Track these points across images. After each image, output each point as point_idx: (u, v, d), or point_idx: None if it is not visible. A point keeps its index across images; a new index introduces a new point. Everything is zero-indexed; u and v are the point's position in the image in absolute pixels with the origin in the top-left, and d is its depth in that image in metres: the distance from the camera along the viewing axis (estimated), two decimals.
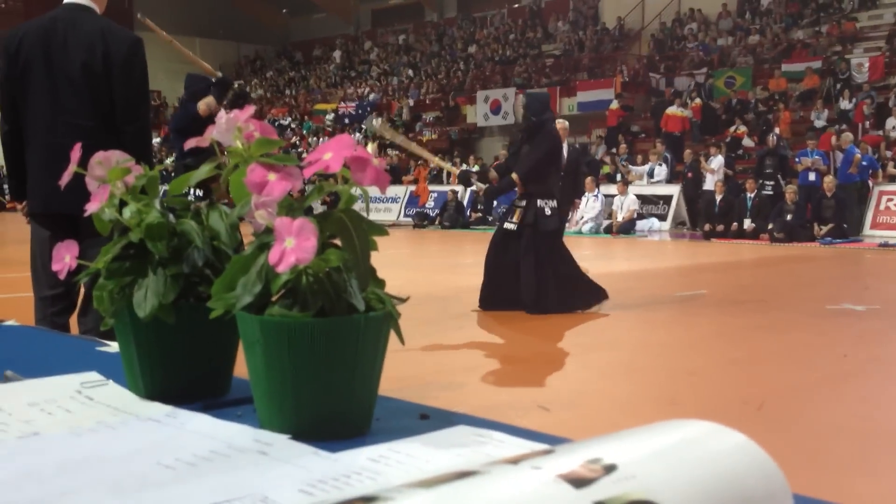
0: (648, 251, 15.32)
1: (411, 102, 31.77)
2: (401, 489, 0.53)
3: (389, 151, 27.88)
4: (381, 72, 36.30)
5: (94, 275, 0.99)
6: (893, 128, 19.94)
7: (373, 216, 0.86)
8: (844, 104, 21.41)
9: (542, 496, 0.53)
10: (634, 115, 26.12)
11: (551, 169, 7.76)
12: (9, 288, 8.56)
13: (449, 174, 23.81)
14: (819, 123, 20.81)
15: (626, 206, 18.98)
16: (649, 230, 19.19)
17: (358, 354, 0.83)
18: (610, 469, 0.56)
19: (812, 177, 17.40)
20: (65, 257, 1.00)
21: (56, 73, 3.85)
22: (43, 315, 3.97)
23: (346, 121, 31.74)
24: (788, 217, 16.33)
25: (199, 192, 6.25)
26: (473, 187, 9.13)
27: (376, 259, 0.86)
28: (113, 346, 1.28)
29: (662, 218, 19.85)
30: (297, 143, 30.97)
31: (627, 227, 18.62)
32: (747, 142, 21.81)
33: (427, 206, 23.52)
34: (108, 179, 0.98)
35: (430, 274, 11.15)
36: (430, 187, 24.14)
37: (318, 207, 0.92)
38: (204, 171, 0.93)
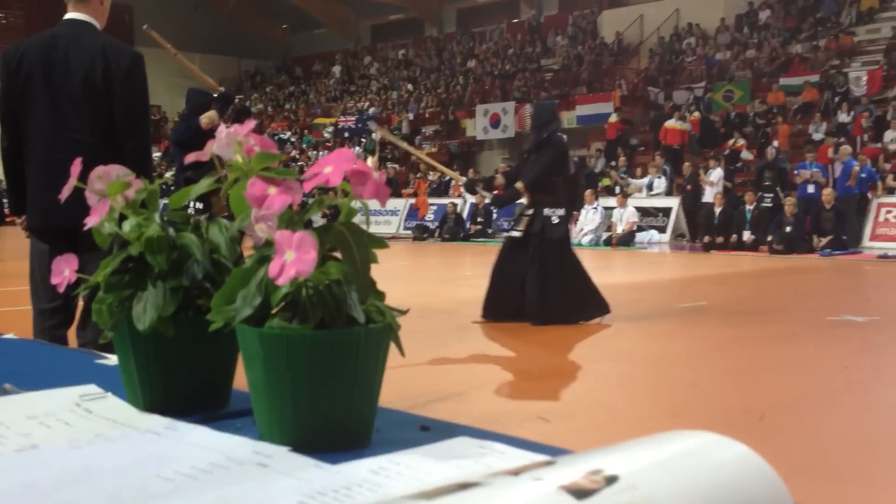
0: (648, 263, 15.32)
1: (411, 116, 31.83)
2: (402, 501, 0.53)
3: (388, 164, 27.93)
4: (381, 86, 36.39)
5: (94, 288, 0.99)
6: (892, 140, 19.97)
7: (372, 229, 0.86)
8: (843, 117, 21.46)
9: None
10: (633, 129, 26.17)
11: (558, 178, 7.75)
12: (8, 301, 8.55)
13: (450, 186, 23.87)
14: (817, 136, 20.85)
15: (625, 218, 18.99)
16: (649, 242, 19.19)
17: (358, 366, 0.83)
18: (611, 480, 0.56)
19: (811, 189, 17.42)
20: (64, 271, 1.00)
21: (57, 89, 3.86)
22: (41, 328, 3.96)
23: (346, 135, 31.80)
24: (788, 229, 16.34)
25: (200, 206, 6.26)
26: (473, 199, 9.15)
27: (376, 271, 0.86)
28: (112, 359, 1.28)
29: (662, 230, 19.86)
30: (297, 156, 31.02)
31: (627, 240, 18.63)
32: (746, 154, 21.84)
33: (427, 218, 23.53)
34: (107, 193, 0.98)
35: (431, 286, 11.15)
36: (430, 200, 24.16)
37: (319, 220, 0.92)
38: (204, 184, 0.93)
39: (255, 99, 39.37)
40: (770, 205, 17.68)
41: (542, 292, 7.46)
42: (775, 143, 19.92)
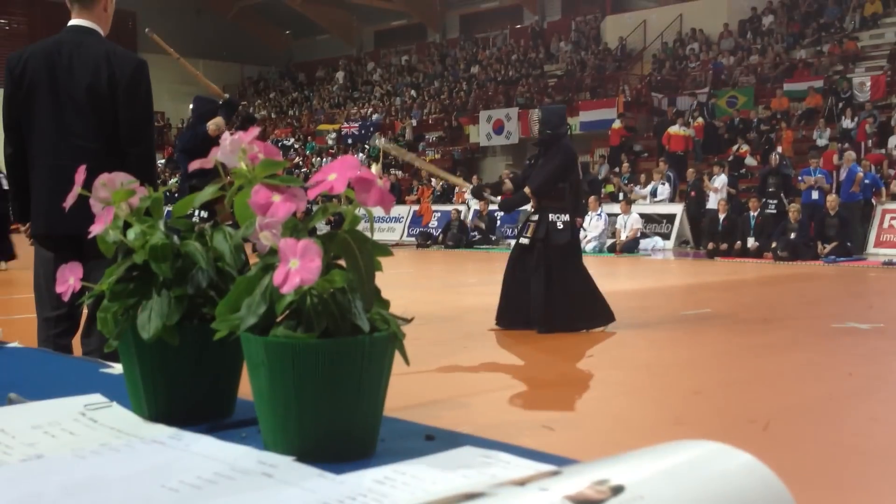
0: (652, 270, 15.31)
1: (414, 122, 31.86)
2: None
3: (392, 170, 27.94)
4: (384, 92, 36.42)
5: (98, 296, 0.99)
6: None
7: (376, 236, 0.85)
8: (847, 123, 21.44)
9: None
10: (637, 135, 26.18)
11: (565, 183, 7.73)
12: (12, 309, 8.56)
13: (454, 193, 23.87)
14: (821, 142, 20.84)
15: (629, 224, 18.98)
16: (653, 249, 19.18)
17: (363, 375, 0.83)
18: (617, 490, 0.56)
19: (815, 195, 17.41)
20: (69, 279, 1.00)
21: (61, 96, 3.86)
22: (46, 336, 3.96)
23: (350, 141, 31.83)
24: (792, 235, 16.32)
25: (204, 214, 6.26)
26: (478, 205, 9.14)
27: (381, 279, 0.86)
28: (117, 368, 1.28)
29: (666, 237, 19.85)
30: (301, 163, 31.04)
31: (631, 246, 18.62)
32: (750, 161, 21.83)
33: (430, 225, 23.53)
34: (112, 201, 0.98)
35: (435, 294, 11.15)
36: (434, 207, 24.17)
37: (323, 228, 0.92)
38: (208, 192, 0.93)
39: (258, 105, 39.42)
40: (774, 211, 17.66)
41: (546, 298, 7.44)
42: (779, 150, 19.90)
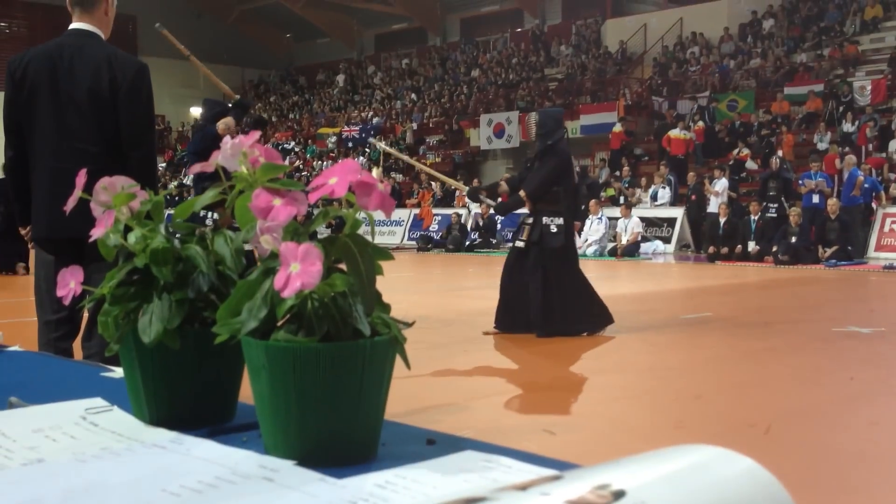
0: (653, 274, 15.31)
1: (415, 126, 31.88)
2: None
3: (392, 174, 27.95)
4: (385, 96, 36.45)
5: (99, 300, 0.99)
6: None
7: (376, 239, 0.85)
8: (847, 127, 21.45)
9: None
10: (638, 139, 26.19)
11: (560, 186, 7.72)
12: (13, 313, 8.56)
13: (455, 197, 23.88)
14: (822, 146, 20.84)
15: (629, 228, 18.98)
16: (653, 253, 19.18)
17: (364, 379, 0.83)
18: (619, 495, 0.56)
19: (816, 199, 17.42)
20: (70, 283, 1.00)
21: (62, 99, 3.87)
22: (46, 339, 3.96)
23: (350, 145, 31.84)
24: (793, 239, 16.32)
25: (215, 216, 6.23)
26: (478, 208, 9.11)
27: (381, 283, 0.86)
28: (118, 372, 1.28)
29: (667, 240, 19.85)
30: (301, 166, 31.05)
31: (632, 250, 18.62)
32: (750, 164, 21.84)
33: (431, 229, 23.54)
34: (112, 205, 0.98)
35: (435, 297, 11.15)
36: (434, 210, 24.17)
37: (324, 231, 0.92)
38: (209, 195, 0.93)
39: (258, 108, 39.46)
40: (775, 215, 17.66)
41: (544, 302, 7.44)
42: (780, 153, 19.91)
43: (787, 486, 0.62)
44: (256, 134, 0.90)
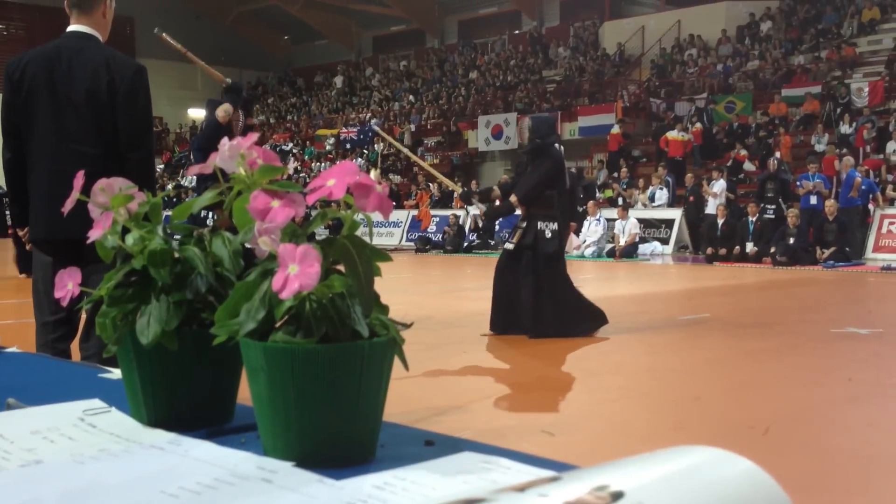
0: (651, 275, 15.31)
1: (413, 128, 31.89)
2: None
3: (391, 176, 27.96)
4: (383, 97, 36.47)
5: (97, 301, 0.99)
6: (894, 152, 19.97)
7: (375, 241, 0.85)
8: (845, 128, 21.48)
9: None
10: (635, 140, 26.21)
11: (553, 191, 7.72)
12: (11, 314, 8.55)
13: (452, 198, 23.87)
14: (820, 148, 20.86)
15: (627, 230, 18.99)
16: (652, 254, 19.19)
17: (362, 380, 0.83)
18: (617, 496, 0.56)
19: (813, 200, 17.43)
20: (67, 284, 1.00)
21: (60, 100, 3.86)
22: (44, 340, 3.96)
23: (348, 146, 31.84)
24: (791, 241, 16.32)
25: (216, 217, 6.26)
26: (477, 210, 9.10)
27: (379, 284, 0.86)
28: (115, 373, 1.28)
29: (665, 241, 19.87)
30: (299, 167, 31.05)
31: (630, 251, 18.63)
32: (748, 166, 21.86)
33: (429, 230, 23.55)
34: (110, 206, 0.97)
35: (434, 299, 11.15)
36: (433, 212, 24.18)
37: (322, 233, 0.92)
38: (207, 197, 0.93)
39: (256, 110, 39.46)
40: (773, 216, 17.68)
41: (535, 306, 7.44)
42: (777, 155, 19.93)
43: (786, 487, 0.62)
44: (255, 136, 0.90)
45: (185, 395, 0.99)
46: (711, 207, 18.77)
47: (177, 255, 0.98)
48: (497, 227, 21.41)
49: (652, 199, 20.84)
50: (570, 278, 7.77)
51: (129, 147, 3.89)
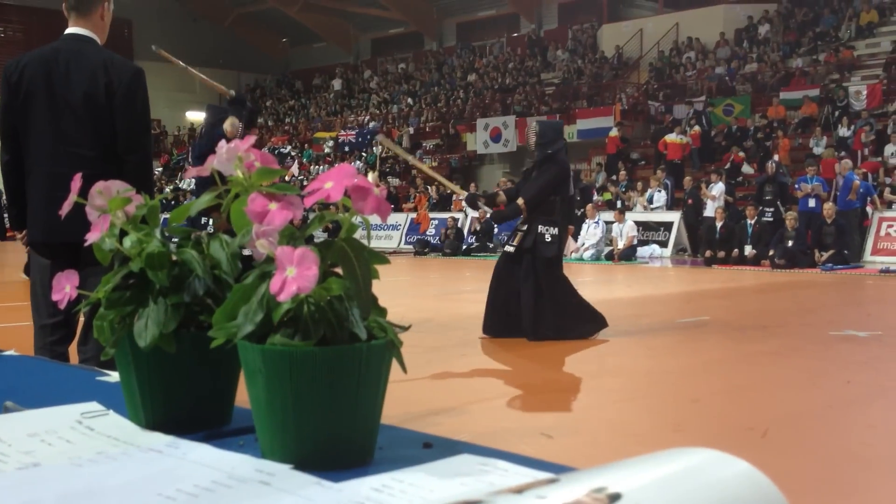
0: (650, 278, 15.31)
1: (411, 130, 31.89)
2: None
3: (389, 179, 27.96)
4: (381, 100, 36.48)
5: (95, 304, 0.99)
6: (892, 154, 19.99)
7: (374, 244, 0.86)
8: (843, 131, 21.49)
9: None
10: (634, 143, 26.23)
11: (556, 196, 7.74)
12: (9, 317, 8.54)
13: (451, 201, 23.88)
14: (818, 150, 20.88)
15: (624, 232, 19.00)
16: (650, 256, 19.19)
17: (360, 383, 0.83)
18: (615, 498, 0.56)
19: (812, 203, 17.43)
20: (65, 287, 0.99)
21: (58, 103, 3.86)
22: (42, 343, 3.96)
23: (347, 149, 31.84)
24: (789, 243, 16.33)
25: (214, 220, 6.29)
26: (475, 213, 9.11)
27: (378, 287, 0.86)
28: (113, 376, 1.28)
29: (664, 244, 19.87)
30: (297, 170, 31.05)
31: (629, 254, 18.63)
32: (747, 169, 21.88)
33: (428, 233, 23.55)
34: (108, 209, 0.97)
35: (432, 301, 11.15)
36: (431, 214, 24.19)
37: (320, 236, 0.91)
38: (205, 199, 0.93)
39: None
40: (771, 219, 17.69)
41: (535, 309, 7.45)
42: (776, 158, 19.95)
43: (785, 488, 0.62)
44: (252, 138, 0.90)
45: (183, 397, 0.98)
46: (710, 210, 18.79)
47: (174, 257, 0.98)
48: (496, 230, 21.43)
49: (650, 201, 20.84)
50: (570, 280, 7.78)
51: (127, 150, 3.88)
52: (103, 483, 0.78)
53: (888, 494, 3.63)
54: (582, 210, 18.68)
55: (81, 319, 3.97)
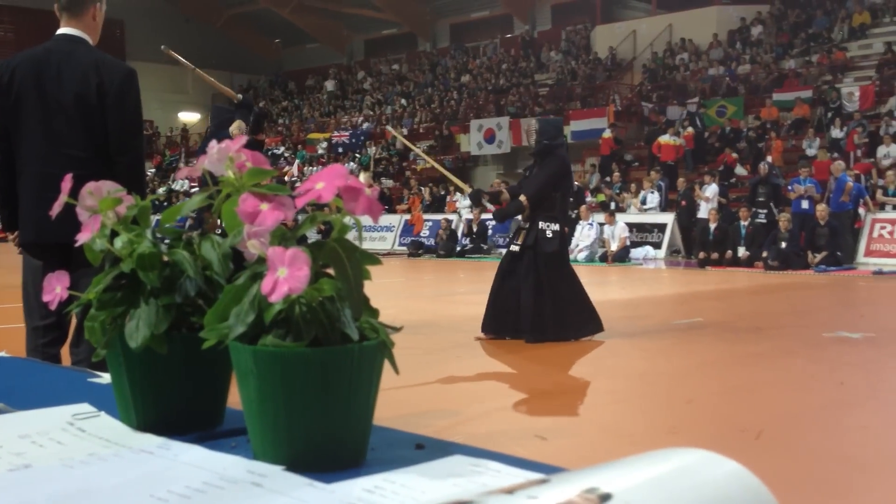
0: (643, 279, 15.34)
1: (405, 131, 31.87)
2: None
3: (383, 180, 27.95)
4: (375, 101, 36.47)
5: (87, 305, 0.99)
6: (885, 156, 20.04)
7: (367, 245, 0.86)
8: (836, 133, 21.54)
9: None
10: (627, 144, 26.26)
11: (557, 192, 7.75)
12: (0, 319, 8.52)
13: (445, 202, 23.89)
14: (811, 152, 20.92)
15: (616, 234, 19.02)
16: (644, 258, 19.21)
17: (352, 384, 0.83)
18: (605, 498, 0.56)
19: (805, 205, 17.47)
20: (56, 288, 0.99)
21: (49, 104, 3.85)
22: (34, 345, 3.95)
23: (340, 150, 31.82)
24: (782, 245, 16.37)
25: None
26: (471, 214, 9.12)
27: (371, 288, 0.86)
28: (105, 377, 1.28)
29: (657, 246, 19.89)
30: (297, 170, 31.01)
31: (622, 255, 18.65)
32: (740, 170, 21.92)
33: (422, 234, 23.54)
34: (99, 209, 0.97)
35: (426, 303, 11.14)
36: (425, 216, 24.18)
37: (313, 236, 0.92)
38: (196, 200, 0.93)
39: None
40: (764, 220, 17.72)
41: (535, 307, 7.44)
42: (769, 159, 19.99)
43: (777, 489, 0.62)
44: (243, 138, 0.90)
45: (175, 398, 0.98)
46: (704, 212, 18.81)
47: (166, 258, 0.97)
48: (490, 232, 21.43)
49: (644, 203, 20.87)
50: (577, 278, 7.74)
51: (118, 150, 3.88)
52: (95, 485, 0.78)
53: (881, 495, 3.64)
54: (576, 212, 18.69)
55: (74, 321, 3.96)
